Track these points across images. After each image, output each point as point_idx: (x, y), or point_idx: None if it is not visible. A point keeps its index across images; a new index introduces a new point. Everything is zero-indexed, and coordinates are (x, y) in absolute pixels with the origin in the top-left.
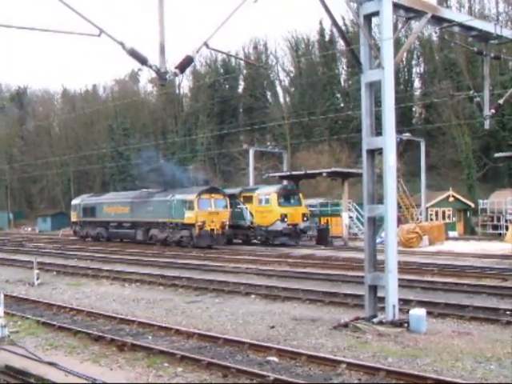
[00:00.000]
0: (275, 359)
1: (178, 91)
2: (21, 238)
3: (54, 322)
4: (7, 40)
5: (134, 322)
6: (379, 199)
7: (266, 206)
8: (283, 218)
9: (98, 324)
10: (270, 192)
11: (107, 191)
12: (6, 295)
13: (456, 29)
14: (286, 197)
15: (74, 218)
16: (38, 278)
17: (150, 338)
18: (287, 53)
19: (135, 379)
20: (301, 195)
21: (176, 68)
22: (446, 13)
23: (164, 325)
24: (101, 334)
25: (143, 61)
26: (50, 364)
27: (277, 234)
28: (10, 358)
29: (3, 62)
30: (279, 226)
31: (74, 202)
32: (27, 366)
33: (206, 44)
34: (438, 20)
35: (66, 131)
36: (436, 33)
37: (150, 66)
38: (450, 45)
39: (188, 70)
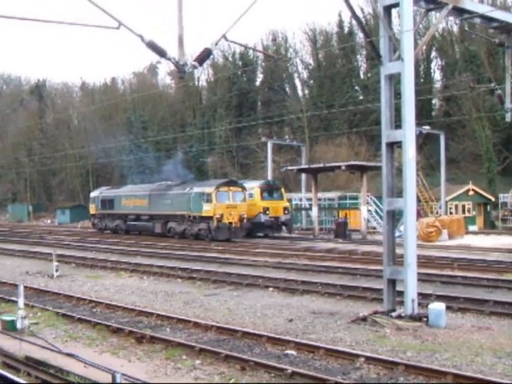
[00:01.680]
0: (293, 352)
1: (196, 84)
2: (40, 230)
3: (74, 314)
4: (27, 33)
5: (152, 314)
6: (398, 193)
7: (250, 199)
8: (265, 210)
9: (117, 316)
10: (253, 187)
11: (125, 184)
12: (25, 287)
13: (477, 20)
14: (269, 191)
15: (92, 211)
16: (57, 270)
17: (168, 330)
18: (306, 45)
19: (153, 371)
20: (283, 190)
21: (195, 60)
22: (467, 4)
23: (182, 317)
24: (119, 326)
25: (162, 53)
26: (70, 355)
27: (260, 226)
28: (30, 348)
29: (23, 56)
30: (262, 218)
31: (93, 194)
32: (47, 356)
33: (224, 36)
34: (458, 11)
35: (85, 124)
36: (456, 24)
37: (169, 59)
38: (470, 36)
39: (206, 63)
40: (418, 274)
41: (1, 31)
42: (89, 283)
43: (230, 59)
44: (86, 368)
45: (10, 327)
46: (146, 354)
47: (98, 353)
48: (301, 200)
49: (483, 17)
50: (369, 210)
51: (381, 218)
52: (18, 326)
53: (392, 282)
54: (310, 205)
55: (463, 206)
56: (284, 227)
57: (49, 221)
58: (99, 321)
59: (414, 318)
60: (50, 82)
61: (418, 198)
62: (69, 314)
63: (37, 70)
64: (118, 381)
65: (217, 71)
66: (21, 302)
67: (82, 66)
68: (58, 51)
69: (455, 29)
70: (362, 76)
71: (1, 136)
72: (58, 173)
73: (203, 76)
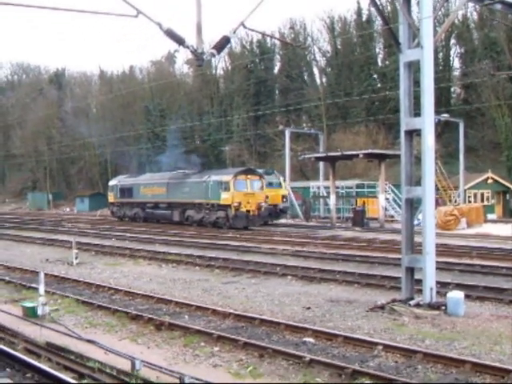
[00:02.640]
0: (311, 340)
1: (213, 72)
2: (60, 218)
3: (93, 301)
4: (46, 23)
5: (171, 301)
6: (417, 181)
7: None
8: (265, 199)
9: (136, 303)
10: None
11: (143, 172)
12: (46, 274)
13: (498, 6)
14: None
15: (111, 199)
16: (76, 258)
17: (186, 317)
18: (323, 33)
19: (172, 358)
20: (281, 179)
21: (213, 48)
22: None
23: (201, 305)
24: (139, 313)
25: (180, 41)
26: (90, 342)
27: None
28: (50, 335)
29: (42, 45)
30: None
31: (112, 182)
32: (67, 343)
33: (243, 24)
34: None
35: (104, 112)
36: (476, 11)
37: (187, 47)
38: (490, 23)
39: (224, 51)
40: (437, 262)
41: (20, 21)
42: (108, 270)
43: (248, 47)
44: (106, 354)
45: (31, 314)
46: (164, 341)
47: (118, 339)
48: (318, 188)
49: (504, 2)
50: (387, 199)
51: (399, 206)
52: (39, 312)
53: (410, 271)
54: (328, 193)
55: (482, 195)
56: (301, 215)
57: (68, 209)
58: (118, 308)
59: (432, 306)
60: (68, 71)
61: (436, 186)
62: (88, 301)
63: (56, 60)
64: (137, 367)
65: (234, 59)
66: (41, 288)
67: (100, 55)
68: (77, 40)
69: (474, 15)
70: (380, 64)
71: (20, 125)
72: (76, 161)
73: (220, 64)
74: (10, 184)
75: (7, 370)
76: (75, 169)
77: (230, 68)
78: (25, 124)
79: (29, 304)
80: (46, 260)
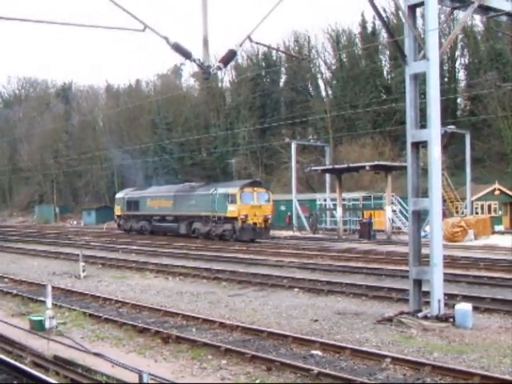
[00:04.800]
0: (319, 353)
1: (219, 85)
2: (66, 231)
3: (100, 314)
4: (53, 37)
5: (178, 314)
6: (423, 192)
7: None
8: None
9: (143, 316)
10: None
11: (150, 185)
12: (53, 287)
13: (503, 18)
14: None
15: (117, 212)
16: (83, 271)
17: (194, 330)
18: (328, 46)
19: (180, 371)
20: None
21: (220, 62)
22: (492, 2)
23: (208, 318)
24: (146, 326)
25: (187, 55)
26: (97, 355)
27: None
28: (58, 348)
29: (49, 60)
30: None
31: (118, 195)
32: (75, 356)
33: (249, 37)
34: (484, 9)
35: (110, 126)
36: (482, 22)
37: (194, 60)
38: (496, 35)
39: (230, 64)
40: (444, 274)
41: (27, 36)
42: (115, 283)
43: (254, 60)
44: (114, 368)
45: (39, 327)
46: (172, 354)
47: (125, 352)
48: (325, 200)
49: (509, 14)
50: (393, 210)
51: (405, 218)
52: (46, 325)
53: (418, 283)
54: (335, 205)
55: (489, 206)
56: (308, 227)
57: (75, 222)
58: (126, 321)
59: (440, 318)
60: (75, 84)
61: (443, 197)
62: (96, 314)
63: (63, 74)
64: (144, 380)
65: (240, 72)
66: (49, 301)
67: (106, 69)
68: (84, 54)
69: (480, 27)
70: (385, 76)
71: (28, 139)
72: (83, 174)
73: (226, 77)
74: (18, 197)
75: (15, 383)
76: (82, 182)
77: (235, 81)
78: (32, 138)
79: (36, 317)
80: (53, 273)
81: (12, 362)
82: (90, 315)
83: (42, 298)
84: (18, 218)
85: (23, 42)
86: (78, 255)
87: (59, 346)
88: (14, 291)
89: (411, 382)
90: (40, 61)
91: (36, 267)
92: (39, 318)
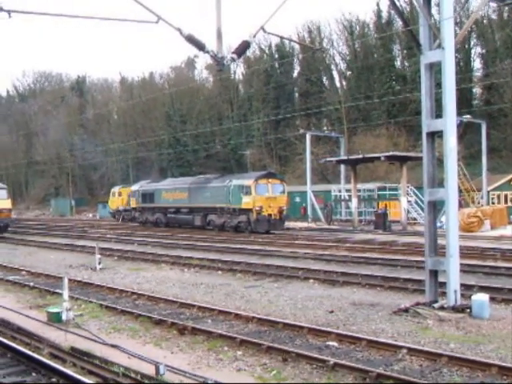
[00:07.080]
0: (335, 344)
1: (233, 77)
2: (82, 224)
3: (117, 306)
4: (67, 30)
5: (193, 306)
6: (439, 183)
7: None
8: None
9: (159, 308)
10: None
11: (165, 177)
12: (70, 279)
13: None
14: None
15: (133, 204)
16: (99, 263)
17: (209, 321)
18: (342, 36)
19: (196, 362)
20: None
21: (233, 53)
22: None
23: (223, 309)
24: (162, 317)
25: (201, 47)
26: (114, 346)
27: None
28: (75, 340)
29: (63, 53)
30: None
31: (133, 188)
32: (92, 348)
33: (262, 28)
34: None
35: (125, 119)
36: (495, 11)
37: (208, 52)
38: (511, 22)
39: (243, 56)
40: (460, 264)
41: (42, 29)
42: (131, 276)
43: (267, 51)
44: (130, 359)
45: (56, 319)
46: (188, 345)
47: (141, 344)
48: (340, 191)
49: None
50: (409, 201)
51: (421, 208)
52: (63, 317)
53: (434, 273)
54: (350, 196)
55: (506, 196)
56: (323, 218)
57: (90, 215)
58: (142, 313)
59: (456, 309)
60: (89, 78)
61: (458, 188)
62: (112, 306)
63: (77, 67)
64: (161, 371)
65: (253, 64)
66: (65, 294)
67: (121, 62)
68: (98, 47)
69: (494, 16)
70: (399, 66)
71: (43, 132)
72: (99, 167)
73: (239, 69)
74: (34, 190)
75: (33, 374)
76: (97, 175)
77: (249, 72)
78: (47, 131)
79: (53, 309)
80: (69, 265)
81: (30, 353)
82: (107, 307)
83: (58, 291)
84: (35, 211)
85: (37, 35)
86: (93, 248)
87: (76, 337)
88: (32, 283)
89: (428, 373)
90: (54, 54)
91: (53, 260)
92: (56, 310)
